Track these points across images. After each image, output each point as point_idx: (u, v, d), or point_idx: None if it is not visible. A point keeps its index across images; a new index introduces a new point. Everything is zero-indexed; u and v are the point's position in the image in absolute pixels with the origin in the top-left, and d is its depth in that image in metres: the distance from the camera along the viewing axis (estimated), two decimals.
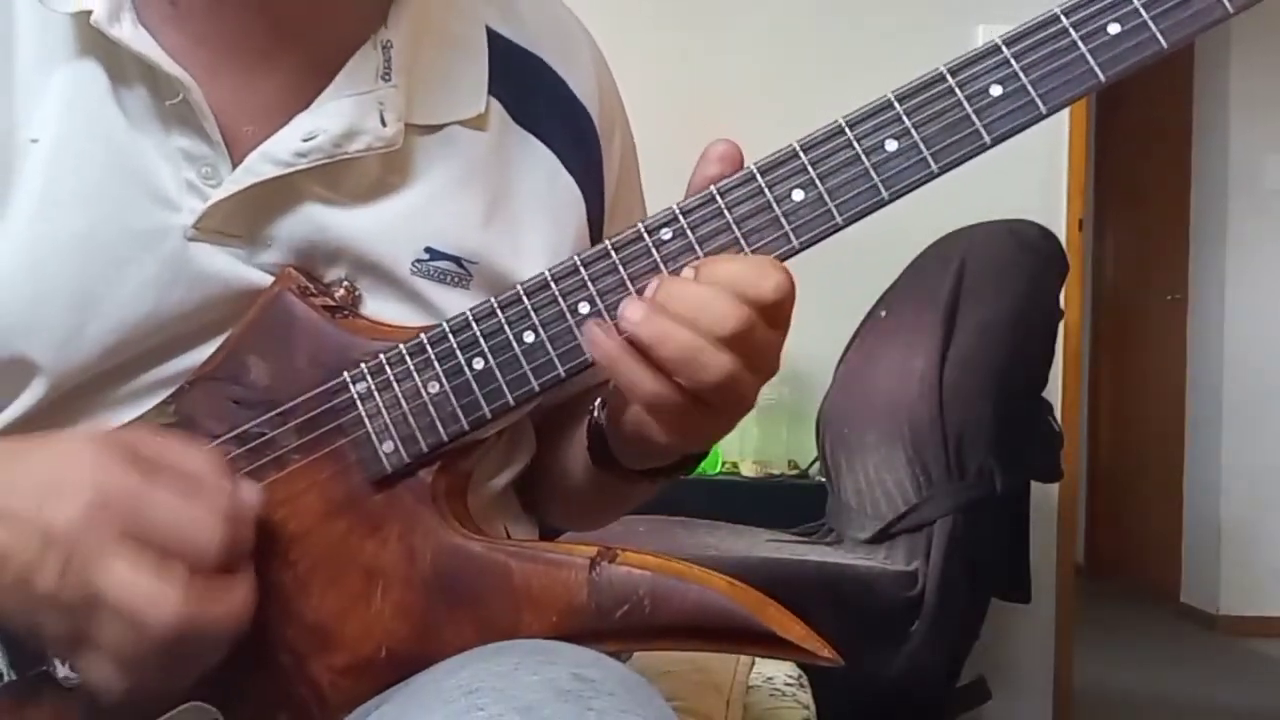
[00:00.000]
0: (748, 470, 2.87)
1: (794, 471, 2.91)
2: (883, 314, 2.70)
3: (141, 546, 0.61)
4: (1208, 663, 4.27)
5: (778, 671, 1.43)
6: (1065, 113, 3.06)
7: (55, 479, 0.63)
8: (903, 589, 2.13)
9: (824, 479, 2.69)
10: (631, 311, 0.67)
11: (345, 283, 0.75)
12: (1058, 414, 2.63)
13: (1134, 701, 3.69)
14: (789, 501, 2.74)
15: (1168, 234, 5.26)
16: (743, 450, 2.92)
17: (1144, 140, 5.64)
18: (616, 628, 0.65)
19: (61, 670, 0.70)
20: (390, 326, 0.74)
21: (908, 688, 2.10)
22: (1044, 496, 2.95)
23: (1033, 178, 3.09)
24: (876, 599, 2.13)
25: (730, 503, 2.64)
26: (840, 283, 2.90)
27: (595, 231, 0.84)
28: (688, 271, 0.67)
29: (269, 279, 0.74)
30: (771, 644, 0.64)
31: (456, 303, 0.73)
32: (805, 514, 2.64)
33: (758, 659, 1.43)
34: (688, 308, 0.65)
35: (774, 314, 0.67)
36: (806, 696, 1.39)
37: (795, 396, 2.95)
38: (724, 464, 2.90)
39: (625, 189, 0.90)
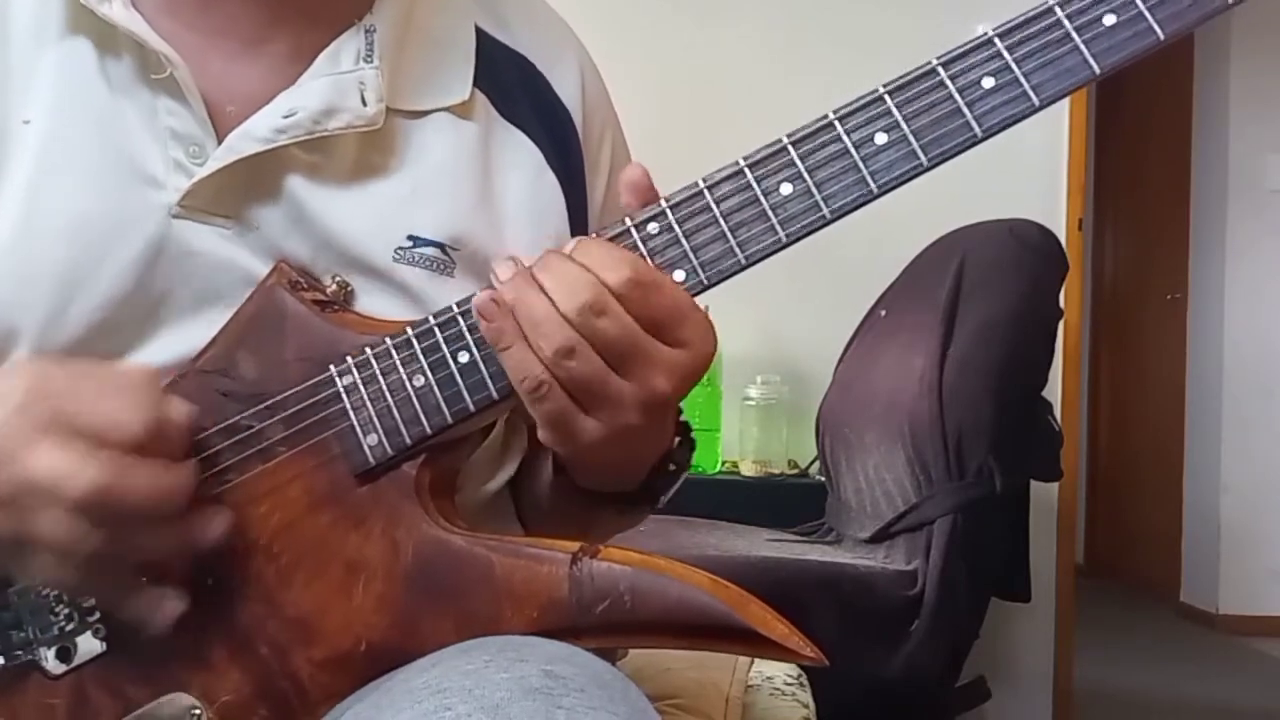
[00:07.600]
0: (748, 470, 2.87)
1: (794, 471, 2.90)
2: (883, 314, 2.70)
3: (68, 433, 0.62)
4: (1208, 662, 4.26)
5: (778, 671, 1.43)
6: (1065, 112, 3.07)
7: None
8: (902, 589, 2.12)
9: (824, 479, 2.69)
10: (502, 270, 0.69)
11: (337, 278, 0.76)
12: (1058, 414, 2.62)
13: (1134, 701, 3.68)
14: (789, 501, 2.73)
15: (1168, 234, 5.25)
16: (743, 450, 2.91)
17: (1144, 140, 5.63)
18: (597, 623, 0.65)
19: (49, 660, 0.70)
20: (379, 321, 0.74)
21: (908, 687, 2.09)
22: (1044, 496, 2.94)
23: (1032, 177, 3.09)
24: (876, 599, 2.12)
25: (730, 503, 2.63)
26: (840, 283, 2.90)
27: (574, 234, 0.83)
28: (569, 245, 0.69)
29: (254, 260, 0.74)
30: (754, 641, 0.63)
31: (441, 292, 0.74)
32: (805, 514, 2.63)
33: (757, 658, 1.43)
34: (548, 277, 0.67)
35: (633, 306, 0.66)
36: (806, 696, 1.39)
37: (795, 396, 2.94)
38: (724, 464, 2.89)
39: (615, 193, 0.90)
